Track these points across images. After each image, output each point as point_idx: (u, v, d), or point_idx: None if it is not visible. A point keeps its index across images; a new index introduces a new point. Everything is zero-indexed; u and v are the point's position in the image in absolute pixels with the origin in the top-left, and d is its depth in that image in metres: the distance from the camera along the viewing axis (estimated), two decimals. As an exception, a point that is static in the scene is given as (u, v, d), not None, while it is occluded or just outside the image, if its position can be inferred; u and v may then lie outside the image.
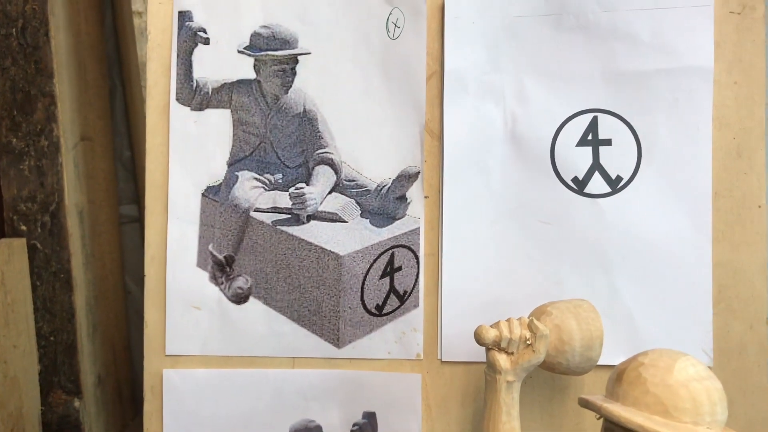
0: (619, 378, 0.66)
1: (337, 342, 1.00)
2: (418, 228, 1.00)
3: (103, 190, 1.69)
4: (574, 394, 0.99)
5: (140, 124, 1.70)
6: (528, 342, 0.86)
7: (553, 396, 0.99)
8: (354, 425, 1.00)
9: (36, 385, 1.48)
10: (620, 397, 0.64)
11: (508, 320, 0.87)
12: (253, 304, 1.01)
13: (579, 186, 0.98)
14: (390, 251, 1.00)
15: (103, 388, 1.65)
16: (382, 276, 1.00)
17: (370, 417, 1.00)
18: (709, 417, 0.62)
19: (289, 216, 1.01)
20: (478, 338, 0.87)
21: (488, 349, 0.87)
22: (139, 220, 1.97)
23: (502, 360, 0.86)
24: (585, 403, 0.68)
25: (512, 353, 0.86)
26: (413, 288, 1.00)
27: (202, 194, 1.02)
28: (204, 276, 1.02)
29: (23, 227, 1.43)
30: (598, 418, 0.70)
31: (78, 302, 1.55)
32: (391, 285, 1.00)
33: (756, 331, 0.97)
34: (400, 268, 1.00)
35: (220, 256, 1.01)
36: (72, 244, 1.55)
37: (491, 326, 0.87)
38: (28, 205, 1.46)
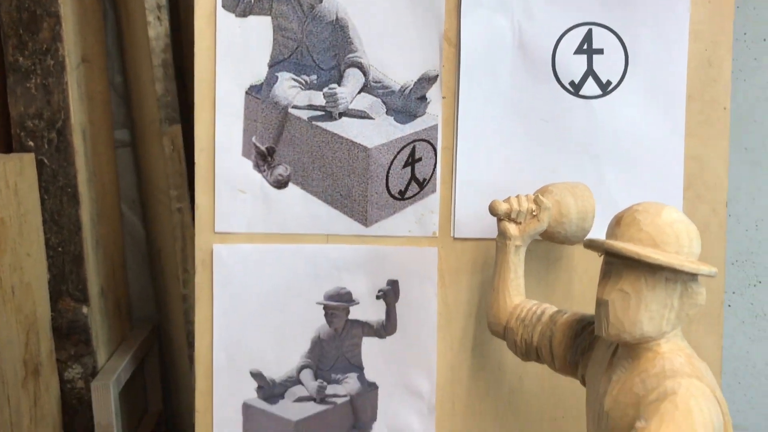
0: (617, 222, 0.84)
1: (365, 221, 1.17)
2: (437, 125, 1.15)
3: (100, 111, 1.78)
4: (566, 266, 1.18)
5: (134, 50, 1.79)
6: (534, 213, 1.03)
7: (548, 267, 1.18)
8: (379, 291, 1.17)
9: (46, 292, 1.60)
10: (618, 237, 0.82)
11: (517, 196, 1.04)
12: (292, 189, 1.16)
13: (575, 89, 1.15)
14: (411, 144, 1.16)
15: (106, 299, 1.78)
16: (405, 166, 1.16)
17: (394, 284, 1.17)
18: (687, 249, 0.81)
19: (323, 113, 1.15)
20: (493, 210, 1.04)
21: (500, 220, 1.05)
22: (132, 145, 2.07)
23: (512, 228, 1.04)
24: (590, 243, 0.85)
25: (520, 223, 1.04)
26: (431, 176, 1.16)
27: (246, 92, 1.15)
28: (248, 164, 1.16)
29: (30, 143, 1.51)
30: (601, 255, 0.87)
31: (84, 216, 1.67)
32: (412, 173, 1.16)
33: (717, 213, 1.17)
34: (420, 159, 1.16)
35: (263, 147, 1.16)
36: (78, 161, 1.65)
37: (503, 201, 1.04)
38: (35, 122, 1.55)
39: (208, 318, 1.17)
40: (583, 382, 0.96)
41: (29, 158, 1.51)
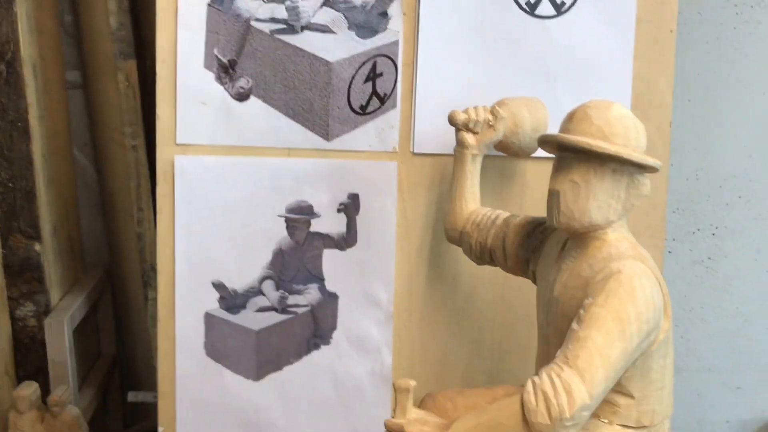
0: (570, 118, 0.88)
1: (327, 136, 1.19)
2: (398, 41, 1.18)
3: (51, 48, 1.74)
4: (519, 181, 1.23)
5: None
6: (490, 123, 1.08)
7: (502, 183, 1.22)
8: (340, 204, 1.20)
9: None
10: (571, 131, 0.87)
11: (475, 107, 1.08)
12: (254, 102, 1.18)
13: (531, 9, 1.19)
14: (373, 59, 1.18)
15: (59, 239, 1.77)
16: (366, 80, 1.18)
17: (354, 198, 1.20)
18: (634, 142, 0.86)
19: (285, 26, 1.16)
20: (452, 120, 1.08)
21: (458, 130, 1.09)
22: (83, 87, 2.03)
23: (469, 138, 1.08)
24: (544, 138, 0.90)
25: (477, 133, 1.08)
26: (392, 91, 1.19)
27: (208, 4, 1.15)
28: (210, 76, 1.17)
29: (-22, 74, 1.48)
30: (554, 155, 0.92)
31: (35, 152, 1.64)
32: (374, 88, 1.19)
33: (662, 131, 1.23)
34: (381, 74, 1.18)
35: (224, 60, 1.16)
36: (29, 95, 1.62)
37: (461, 111, 1.08)
38: (-17, 54, 1.52)
39: (170, 229, 1.18)
40: (534, 279, 1.01)
41: (-24, 90, 1.46)
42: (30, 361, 1.67)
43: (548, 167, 1.16)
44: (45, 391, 1.51)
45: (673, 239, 1.74)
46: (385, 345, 1.23)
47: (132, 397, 1.80)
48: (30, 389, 1.46)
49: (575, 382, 0.76)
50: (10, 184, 1.64)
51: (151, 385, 1.90)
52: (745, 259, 1.76)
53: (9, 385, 1.57)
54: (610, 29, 1.19)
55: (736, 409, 1.84)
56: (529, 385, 0.78)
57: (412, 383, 0.85)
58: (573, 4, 1.19)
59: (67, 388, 1.50)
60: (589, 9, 1.19)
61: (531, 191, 1.22)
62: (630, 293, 0.80)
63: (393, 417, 0.86)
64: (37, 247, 1.66)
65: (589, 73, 1.20)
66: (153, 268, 1.88)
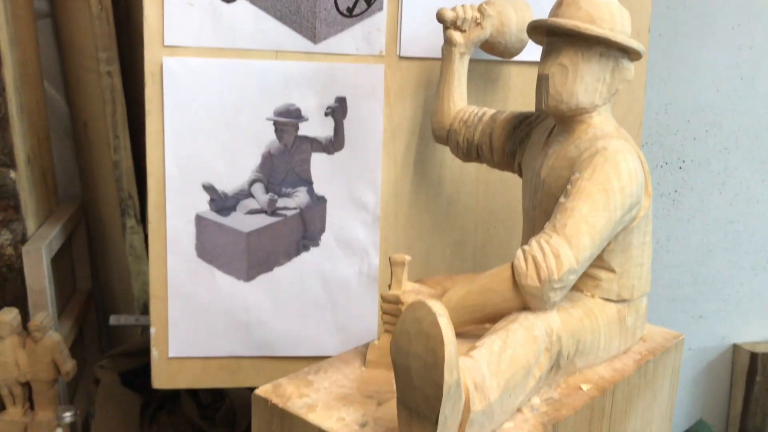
0: (559, 4, 0.91)
1: (314, 38, 1.20)
2: (384, -58, 1.19)
3: None
4: (503, 85, 1.26)
5: None
6: (477, 21, 1.10)
7: (486, 87, 1.25)
8: (328, 108, 1.22)
9: None
10: (560, 16, 0.89)
11: (463, 5, 1.10)
12: (241, 3, 1.17)
13: None
14: (360, -39, 1.19)
15: (32, 169, 1.75)
16: (353, -17, 1.19)
17: (341, 101, 1.22)
18: (620, 27, 0.89)
19: (272, -74, 1.16)
20: (440, 17, 1.10)
21: (446, 29, 1.11)
22: (51, 16, 1.99)
23: (457, 36, 1.10)
24: (534, 24, 0.92)
25: (465, 31, 1.10)
26: (379, -6, 1.20)
27: None
28: (197, -24, 1.16)
29: (-54, -5, 1.44)
30: (541, 41, 0.95)
31: (8, 77, 1.61)
32: (360, -9, 1.20)
33: (641, 37, 1.27)
34: (368, -23, 1.19)
35: (211, -40, 1.16)
36: None
37: (449, 9, 1.10)
38: (-53, -28, 1.47)
39: (159, 130, 1.19)
40: (519, 172, 1.05)
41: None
42: (8, 290, 1.66)
43: (532, 72, 1.20)
44: (24, 320, 1.52)
45: (642, 172, 1.80)
46: (372, 246, 1.26)
47: (114, 320, 1.82)
48: (10, 315, 1.47)
49: (563, 246, 0.81)
50: (-16, 111, 1.61)
51: (130, 314, 1.92)
52: (711, 191, 1.83)
53: (-12, 313, 1.58)
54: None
55: (697, 336, 1.93)
56: (519, 252, 0.83)
57: (407, 257, 0.89)
58: None
59: (47, 315, 1.51)
60: None
61: (514, 95, 1.26)
62: (615, 167, 0.84)
63: (389, 290, 0.90)
64: (12, 174, 1.65)
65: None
66: (130, 196, 1.89)
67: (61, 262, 1.77)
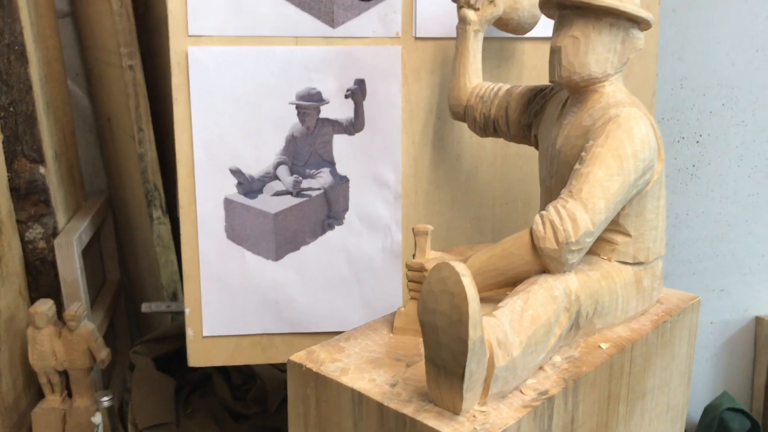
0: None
1: (332, 23, 1.24)
2: (398, -72, 1.22)
3: None
4: (517, 62, 1.29)
5: None
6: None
7: (500, 64, 1.29)
8: (347, 90, 1.26)
9: (0, 153, 1.60)
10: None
11: (476, -16, 1.13)
12: (261, -9, 1.22)
13: None
14: (374, -53, 1.22)
15: (60, 164, 1.81)
16: (368, -32, 1.23)
17: (360, 83, 1.26)
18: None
19: None
20: (454, -4, 1.13)
21: (459, 8, 1.14)
22: (71, 15, 2.04)
23: (471, 14, 1.13)
24: (544, -1, 0.96)
25: (478, 9, 1.13)
26: (393, -22, 1.24)
27: None
28: (218, -33, 1.20)
29: (-28, -2, 1.49)
30: (553, 15, 0.98)
31: (34, 76, 1.67)
32: (375, -25, 1.23)
33: (651, 8, 1.29)
34: (382, -38, 1.23)
35: (231, -49, 1.20)
36: (23, 18, 1.64)
37: (463, -10, 1.13)
38: (-26, -25, 1.52)
39: (187, 117, 1.23)
40: (535, 144, 1.09)
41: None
42: (42, 283, 1.73)
43: (544, 47, 1.23)
44: (58, 311, 1.58)
45: (658, 147, 1.80)
46: (395, 223, 1.30)
47: (146, 308, 1.88)
48: (46, 305, 1.53)
49: (579, 210, 0.84)
50: (12, 109, 1.67)
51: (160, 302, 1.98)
52: (728, 165, 1.84)
53: (24, 305, 1.64)
54: None
55: (719, 310, 1.94)
56: (538, 217, 0.86)
57: (430, 227, 0.93)
58: None
59: (81, 304, 1.57)
60: None
61: (528, 71, 1.29)
62: (628, 133, 0.88)
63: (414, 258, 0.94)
64: (42, 170, 1.70)
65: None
66: (156, 188, 1.94)
67: (90, 254, 1.83)
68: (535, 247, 0.85)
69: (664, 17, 1.66)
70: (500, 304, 0.82)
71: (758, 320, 1.95)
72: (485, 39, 1.18)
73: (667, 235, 1.83)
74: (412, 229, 0.94)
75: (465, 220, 1.33)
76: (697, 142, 1.83)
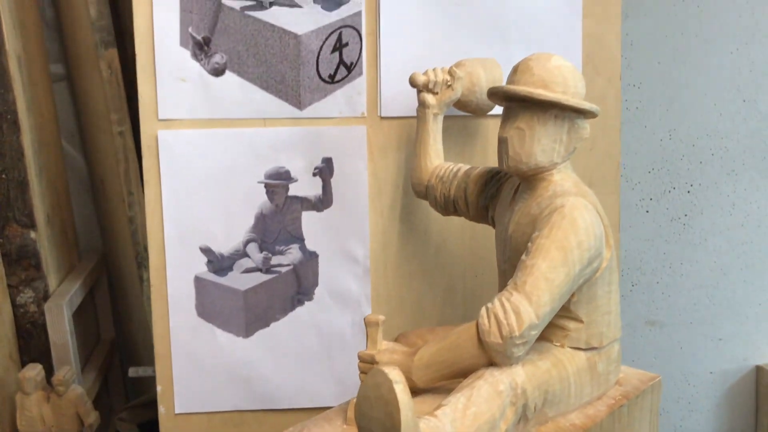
0: (514, 71, 0.96)
1: (299, 105, 1.27)
2: (361, 11, 1.26)
3: (34, 41, 1.80)
4: (481, 138, 1.31)
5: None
6: (448, 83, 1.16)
7: (465, 142, 1.31)
8: (315, 168, 1.29)
9: None
10: (515, 82, 0.95)
11: (434, 69, 1.16)
12: (229, 76, 1.25)
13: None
14: (338, 30, 1.26)
15: (52, 227, 1.84)
16: (333, 51, 1.26)
17: (328, 161, 1.29)
18: (573, 89, 0.94)
19: (254, 2, 1.24)
20: (412, 81, 1.16)
21: (419, 92, 1.17)
22: (67, 78, 2.09)
23: (430, 98, 1.16)
24: (492, 90, 0.98)
25: (437, 93, 1.16)
26: (358, 60, 1.27)
27: (180, -16, 1.23)
28: (186, 54, 1.24)
29: (-35, 70, 1.54)
30: (502, 104, 1.01)
31: (25, 143, 1.71)
32: (340, 58, 1.27)
33: (613, 84, 1.31)
34: (347, 44, 1.26)
35: (199, 37, 1.24)
36: (16, 88, 1.69)
37: (421, 74, 1.16)
38: (-31, 49, 1.58)
39: (158, 198, 1.26)
40: (493, 224, 1.10)
41: (-35, 86, 1.52)
42: (33, 346, 1.74)
43: (507, 123, 1.25)
44: (49, 374, 1.59)
45: (650, 198, 1.80)
46: (364, 297, 1.31)
47: (133, 372, 1.88)
48: (34, 371, 1.53)
49: (523, 304, 0.85)
50: (3, 176, 1.71)
51: (151, 363, 1.99)
52: (721, 214, 1.83)
53: (14, 369, 1.65)
54: (559, -9, 1.28)
55: (718, 359, 1.91)
56: (483, 310, 0.87)
57: (381, 318, 0.94)
58: (522, -32, 1.27)
59: (70, 368, 1.58)
60: (539, -27, 1.27)
61: (492, 147, 1.30)
62: (572, 224, 0.89)
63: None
64: (33, 234, 1.73)
65: (541, 34, 1.28)
66: (146, 249, 1.96)
67: (84, 313, 1.84)
68: (481, 340, 0.86)
69: (650, 69, 1.68)
70: (443, 402, 0.82)
71: (759, 369, 1.92)
72: (449, 116, 1.20)
73: (662, 285, 1.84)
74: (364, 319, 0.95)
75: (436, 292, 1.34)
76: (688, 191, 1.83)
